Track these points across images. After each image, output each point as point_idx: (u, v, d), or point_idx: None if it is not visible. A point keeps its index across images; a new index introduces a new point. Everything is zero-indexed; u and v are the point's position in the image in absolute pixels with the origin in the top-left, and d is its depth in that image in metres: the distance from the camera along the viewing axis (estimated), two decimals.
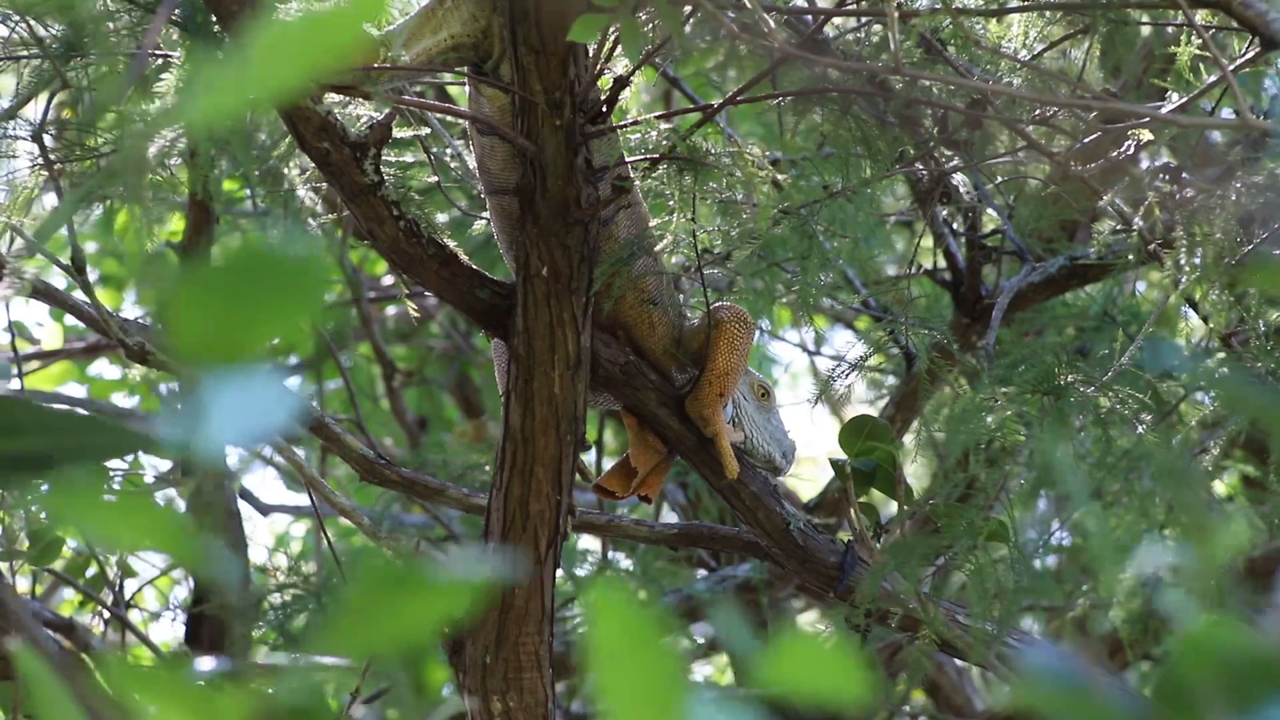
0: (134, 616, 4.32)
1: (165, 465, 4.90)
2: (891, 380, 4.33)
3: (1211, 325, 2.56)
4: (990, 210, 3.82)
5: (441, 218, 3.23)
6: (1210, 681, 0.99)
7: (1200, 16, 2.53)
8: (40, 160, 2.85)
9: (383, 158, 2.60)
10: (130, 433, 1.09)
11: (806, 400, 2.93)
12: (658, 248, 2.73)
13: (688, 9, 2.36)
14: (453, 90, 4.29)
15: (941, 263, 4.05)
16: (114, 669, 1.02)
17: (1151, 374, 2.60)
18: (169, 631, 5.04)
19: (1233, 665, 0.99)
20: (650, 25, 2.49)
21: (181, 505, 4.39)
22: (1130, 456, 2.53)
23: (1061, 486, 2.47)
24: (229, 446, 0.94)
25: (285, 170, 2.94)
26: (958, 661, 4.71)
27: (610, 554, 4.38)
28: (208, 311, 0.97)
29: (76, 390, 5.47)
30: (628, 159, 2.65)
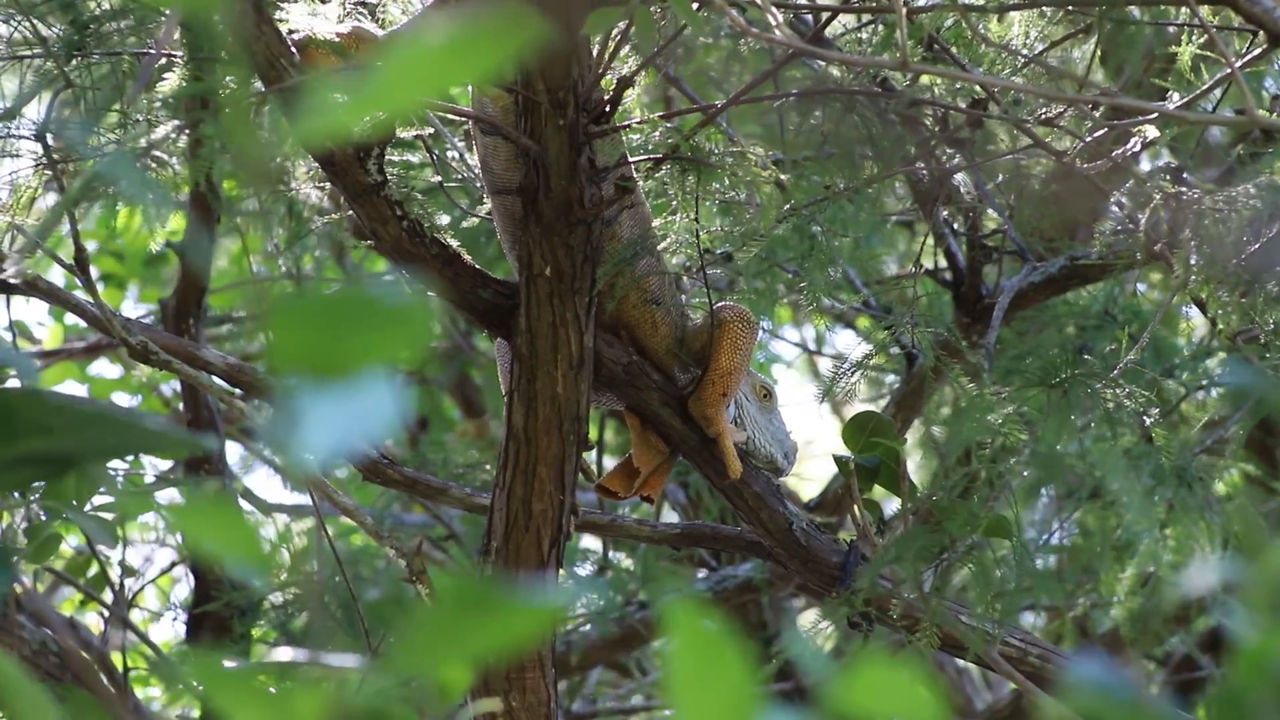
0: (134, 616, 4.32)
1: (165, 465, 4.90)
2: (892, 379, 4.34)
3: (1221, 326, 2.56)
4: (991, 210, 3.82)
5: (442, 218, 3.23)
6: (1268, 696, 0.99)
7: (1204, 14, 2.53)
8: (43, 160, 2.85)
9: (386, 158, 2.59)
10: (152, 431, 1.09)
11: (810, 400, 2.93)
12: (660, 248, 2.73)
13: (694, 4, 2.36)
14: (452, 90, 4.29)
15: (942, 262, 4.05)
16: (195, 669, 1.03)
17: (1154, 372, 2.60)
18: (169, 630, 5.04)
19: None
20: (660, 21, 2.49)
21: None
22: (1131, 455, 2.53)
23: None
24: (330, 457, 0.94)
25: (290, 168, 2.94)
26: (958, 661, 4.72)
27: (611, 554, 4.38)
28: (308, 335, 0.97)
29: (76, 390, 5.47)
30: (631, 159, 2.65)
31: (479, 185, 2.93)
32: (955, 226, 3.90)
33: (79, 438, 1.10)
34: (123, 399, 5.44)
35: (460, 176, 3.22)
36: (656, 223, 2.72)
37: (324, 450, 0.93)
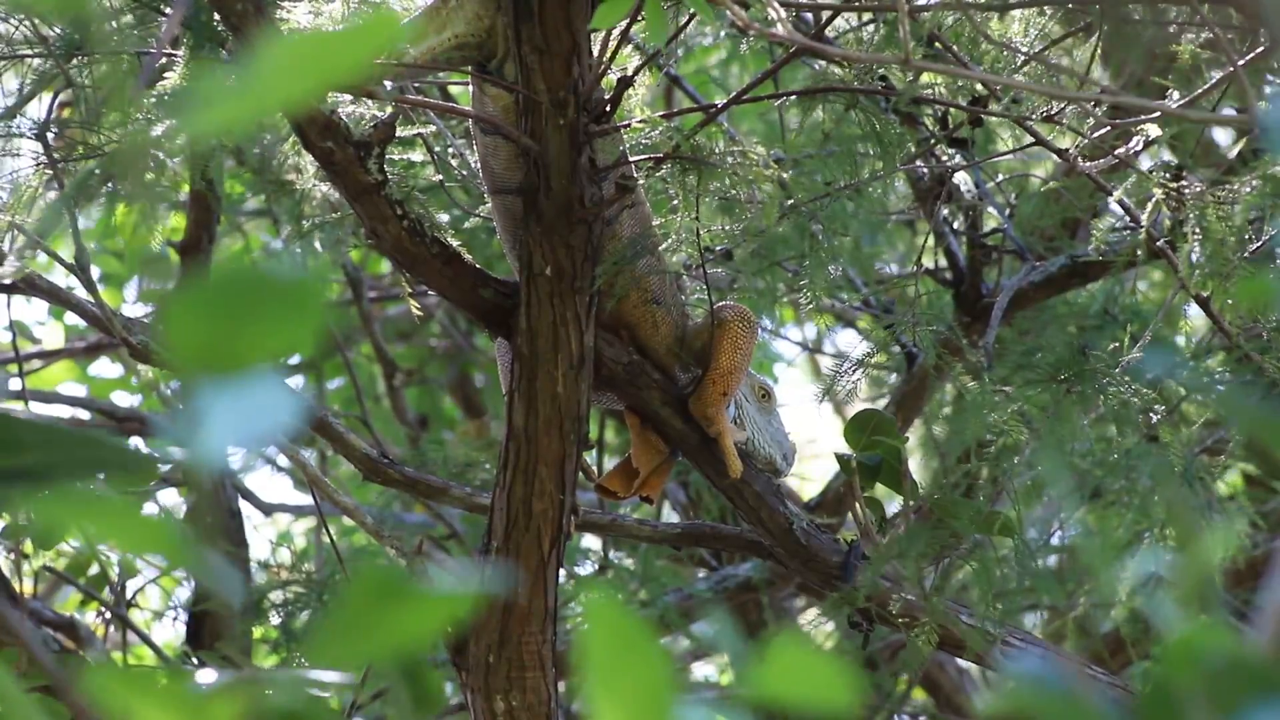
0: (136, 616, 4.32)
1: (164, 466, 4.89)
2: (893, 378, 4.33)
3: (1229, 322, 2.56)
4: (991, 209, 3.82)
5: (442, 217, 3.23)
6: (1195, 688, 0.99)
7: (1206, 13, 2.53)
8: (44, 159, 2.85)
9: (386, 157, 2.59)
10: (126, 450, 1.09)
11: (811, 399, 2.93)
12: (661, 247, 2.73)
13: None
14: (452, 90, 4.29)
15: (942, 261, 4.05)
16: (107, 672, 1.03)
17: (1152, 375, 2.59)
18: (170, 631, 5.03)
19: (1218, 672, 0.99)
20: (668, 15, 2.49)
21: (181, 506, 4.39)
22: (1131, 455, 2.53)
23: (1056, 487, 2.46)
24: (229, 450, 0.94)
25: (295, 165, 2.93)
26: (959, 661, 4.72)
27: (612, 553, 4.38)
28: (202, 326, 0.97)
29: (77, 389, 5.47)
30: (631, 158, 2.65)
31: (477, 183, 2.93)
32: (955, 225, 3.90)
33: (51, 456, 1.10)
34: (123, 398, 5.44)
35: (461, 174, 3.21)
36: (657, 221, 2.72)
37: (224, 445, 0.94)
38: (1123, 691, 2.79)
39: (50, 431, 1.13)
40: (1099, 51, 2.63)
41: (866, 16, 2.93)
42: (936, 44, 2.66)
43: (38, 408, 4.60)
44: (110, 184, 2.83)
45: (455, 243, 2.70)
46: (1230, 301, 2.54)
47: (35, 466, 1.12)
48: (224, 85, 0.97)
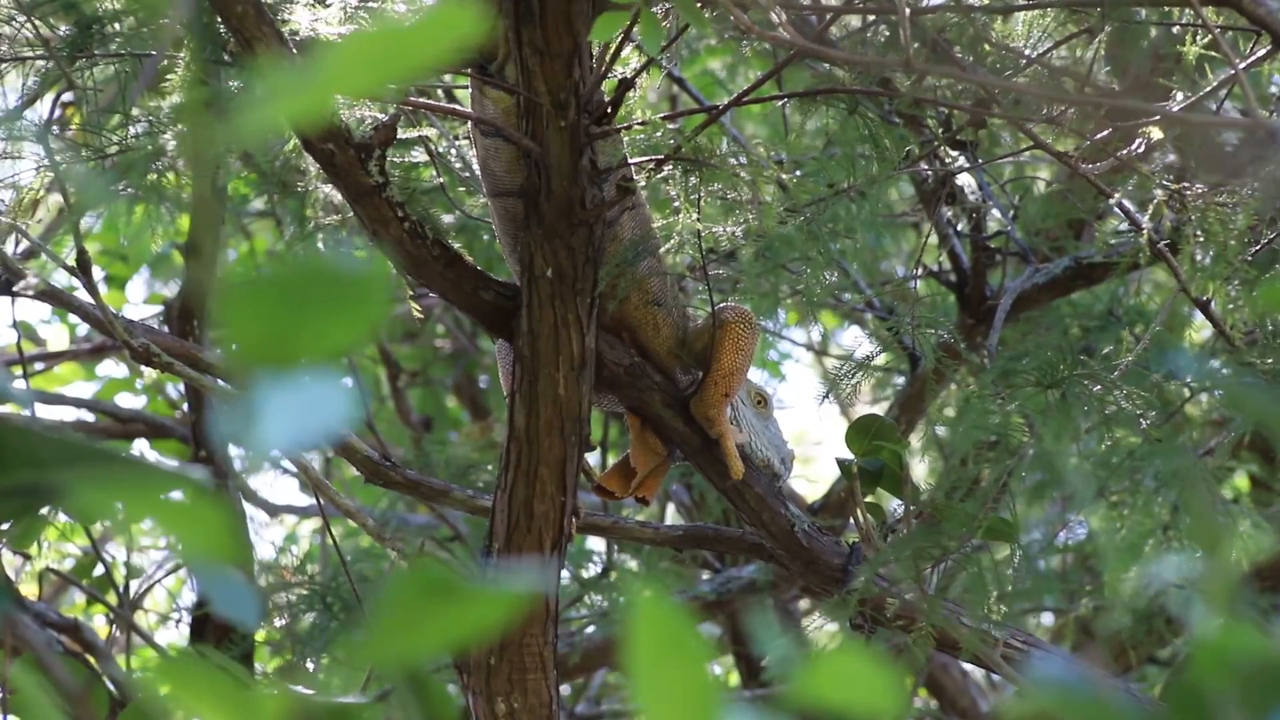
0: (139, 617, 4.32)
1: (171, 463, 4.89)
2: (899, 380, 4.33)
3: (1229, 324, 2.55)
4: (995, 211, 3.82)
5: (446, 218, 3.23)
6: (1224, 688, 0.99)
7: (1208, 14, 2.53)
8: (45, 161, 2.85)
9: (387, 159, 2.59)
10: (151, 469, 1.09)
11: (814, 400, 2.93)
12: (662, 249, 2.73)
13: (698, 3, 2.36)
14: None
15: (946, 264, 4.04)
16: (153, 667, 1.02)
17: (1158, 375, 2.59)
18: (174, 632, 5.04)
19: (1246, 672, 0.99)
20: (666, 20, 2.49)
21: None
22: (1135, 455, 2.52)
23: (1066, 486, 2.46)
24: (284, 449, 0.94)
25: (301, 167, 2.93)
26: (963, 664, 4.71)
27: (615, 555, 4.38)
28: (263, 318, 0.96)
29: (87, 389, 5.47)
30: (632, 160, 2.65)
31: (477, 184, 2.93)
32: (959, 228, 3.90)
33: (69, 471, 1.10)
34: (127, 400, 5.44)
35: (464, 175, 3.21)
36: (658, 223, 2.72)
37: (282, 442, 0.93)
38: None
39: (73, 447, 1.13)
40: (1102, 53, 2.62)
41: (870, 19, 2.93)
42: (938, 47, 2.65)
43: (42, 409, 4.61)
44: (122, 185, 2.83)
45: (456, 244, 2.70)
46: (1232, 306, 2.53)
47: (54, 481, 1.12)
48: (286, 81, 0.96)
